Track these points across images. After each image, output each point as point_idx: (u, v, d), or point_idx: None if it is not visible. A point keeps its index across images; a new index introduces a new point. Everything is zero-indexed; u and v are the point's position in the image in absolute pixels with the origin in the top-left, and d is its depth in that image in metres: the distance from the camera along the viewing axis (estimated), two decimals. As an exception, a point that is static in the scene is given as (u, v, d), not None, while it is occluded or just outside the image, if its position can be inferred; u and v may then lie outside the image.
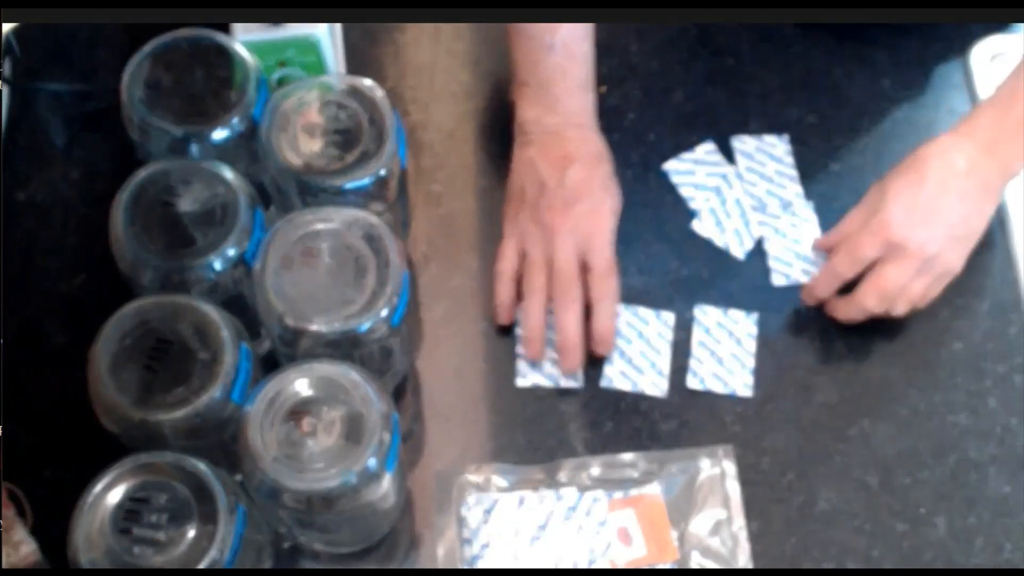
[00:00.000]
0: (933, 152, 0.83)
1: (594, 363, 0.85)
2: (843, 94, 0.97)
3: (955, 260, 0.83)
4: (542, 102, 0.88)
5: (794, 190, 0.92)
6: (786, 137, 0.95)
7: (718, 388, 0.84)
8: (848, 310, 0.84)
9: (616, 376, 0.85)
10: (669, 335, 0.86)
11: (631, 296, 0.88)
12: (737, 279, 0.89)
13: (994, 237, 0.90)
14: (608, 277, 0.85)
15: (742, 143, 0.95)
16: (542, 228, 0.85)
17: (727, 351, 0.86)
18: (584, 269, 0.85)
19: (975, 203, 0.83)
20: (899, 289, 0.82)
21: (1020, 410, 0.84)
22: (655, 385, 0.84)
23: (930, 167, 0.83)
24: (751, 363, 0.85)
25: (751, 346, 0.86)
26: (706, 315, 0.87)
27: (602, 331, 0.84)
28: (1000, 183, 0.84)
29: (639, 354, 0.85)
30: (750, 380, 0.85)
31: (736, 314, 0.87)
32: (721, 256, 0.90)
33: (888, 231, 0.81)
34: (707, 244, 0.90)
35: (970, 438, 0.83)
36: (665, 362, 0.85)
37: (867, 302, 0.83)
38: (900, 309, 0.83)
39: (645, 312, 0.87)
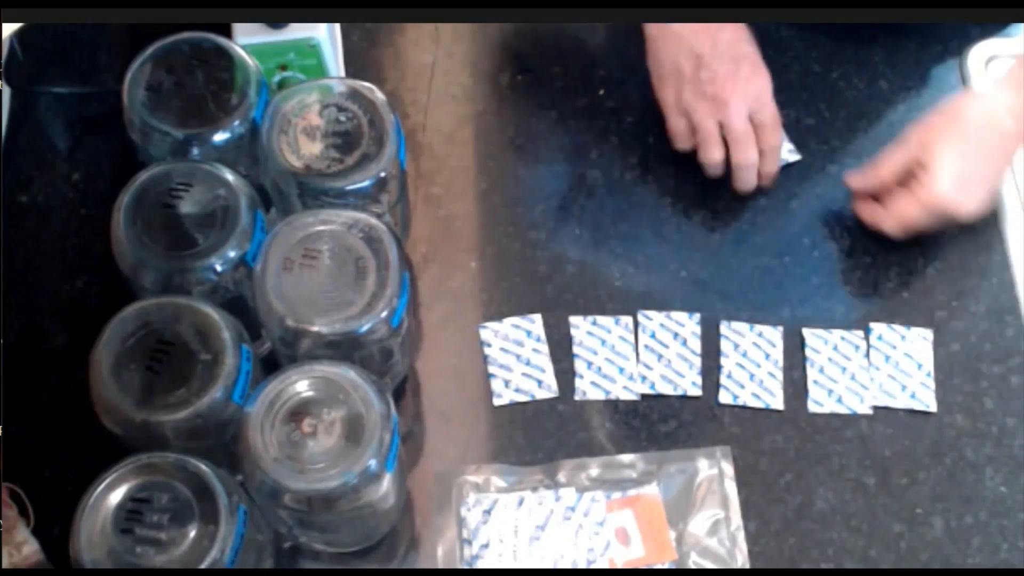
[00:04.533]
0: (978, 112, 0.85)
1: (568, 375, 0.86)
2: (840, 96, 0.98)
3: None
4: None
5: (787, 147, 0.94)
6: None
7: (668, 390, 0.85)
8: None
9: (588, 388, 0.85)
10: (631, 338, 0.86)
11: (631, 298, 0.88)
12: (736, 279, 0.90)
13: (991, 240, 0.91)
14: (777, 128, 0.89)
15: None
16: (711, 101, 0.87)
17: (673, 353, 0.86)
18: (754, 125, 0.89)
19: (1012, 158, 0.86)
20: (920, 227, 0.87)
21: (1017, 411, 0.84)
22: (627, 390, 0.85)
23: (980, 132, 0.85)
24: (698, 363, 0.86)
25: (696, 346, 0.86)
26: (651, 320, 0.87)
27: (771, 172, 0.91)
28: None
29: (606, 362, 0.86)
30: (698, 380, 0.85)
31: (679, 315, 0.87)
32: (721, 258, 0.90)
33: (938, 203, 0.85)
34: (707, 246, 0.91)
35: (967, 439, 0.83)
36: (633, 366, 0.86)
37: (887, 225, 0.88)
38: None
39: (604, 320, 0.87)
